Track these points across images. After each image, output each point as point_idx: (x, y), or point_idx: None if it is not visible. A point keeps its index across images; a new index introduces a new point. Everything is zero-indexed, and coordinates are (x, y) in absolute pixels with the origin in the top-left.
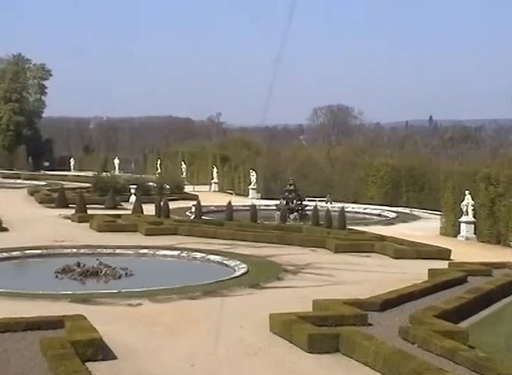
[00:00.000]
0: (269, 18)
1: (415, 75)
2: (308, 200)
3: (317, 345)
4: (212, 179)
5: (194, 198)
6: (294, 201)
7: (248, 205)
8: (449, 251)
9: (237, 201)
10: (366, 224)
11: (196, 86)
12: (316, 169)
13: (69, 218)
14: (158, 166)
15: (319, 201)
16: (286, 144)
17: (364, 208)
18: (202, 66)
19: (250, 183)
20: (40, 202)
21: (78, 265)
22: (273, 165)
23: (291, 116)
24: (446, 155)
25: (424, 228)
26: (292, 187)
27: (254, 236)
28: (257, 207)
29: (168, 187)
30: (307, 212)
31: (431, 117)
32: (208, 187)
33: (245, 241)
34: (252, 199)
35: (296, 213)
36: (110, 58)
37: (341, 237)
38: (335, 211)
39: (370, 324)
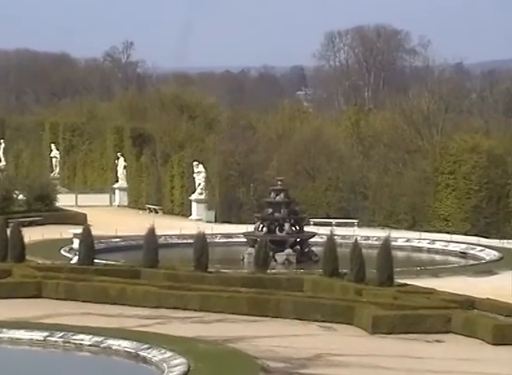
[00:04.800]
0: None
1: None
2: (314, 223)
3: None
4: (116, 181)
5: (79, 220)
6: (286, 226)
7: (190, 236)
8: None
9: (168, 228)
10: (435, 274)
11: None
12: (331, 159)
13: None
14: (1, 153)
15: (336, 224)
16: (268, 107)
17: (432, 242)
18: None
19: (193, 191)
20: None
21: None
22: (241, 152)
23: (281, 51)
24: None
25: None
26: (281, 198)
27: (203, 299)
28: (210, 238)
29: (21, 197)
30: (313, 249)
31: None
32: (106, 197)
33: (184, 309)
34: (198, 222)
35: (289, 250)
36: None
37: (384, 301)
38: (372, 246)
39: None
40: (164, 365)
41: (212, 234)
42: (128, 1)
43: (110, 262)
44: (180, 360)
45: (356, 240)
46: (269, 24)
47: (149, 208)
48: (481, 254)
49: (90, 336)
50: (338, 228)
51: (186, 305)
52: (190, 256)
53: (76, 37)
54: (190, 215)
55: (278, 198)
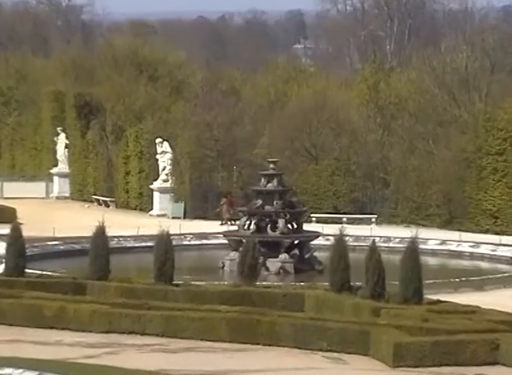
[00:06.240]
0: None
1: None
2: (317, 219)
3: None
4: (55, 165)
5: (5, 216)
6: (280, 223)
7: (151, 237)
8: None
9: (123, 226)
10: (479, 287)
11: None
12: (340, 133)
13: None
14: None
15: (347, 220)
16: (256, 65)
17: (476, 245)
18: None
19: (156, 178)
20: None
21: None
22: (220, 124)
23: None
24: None
25: None
26: (273, 185)
27: (167, 321)
28: (177, 240)
29: None
30: (316, 254)
31: None
32: (42, 185)
33: (142, 333)
34: (161, 219)
35: (285, 255)
36: None
37: (410, 323)
38: (394, 250)
39: None
40: None
41: (181, 235)
42: None
43: (46, 273)
44: None
45: (373, 242)
46: None
47: (98, 201)
48: None
49: (21, 370)
50: (349, 226)
51: (145, 329)
52: (150, 264)
53: None
54: (151, 209)
55: (269, 185)
